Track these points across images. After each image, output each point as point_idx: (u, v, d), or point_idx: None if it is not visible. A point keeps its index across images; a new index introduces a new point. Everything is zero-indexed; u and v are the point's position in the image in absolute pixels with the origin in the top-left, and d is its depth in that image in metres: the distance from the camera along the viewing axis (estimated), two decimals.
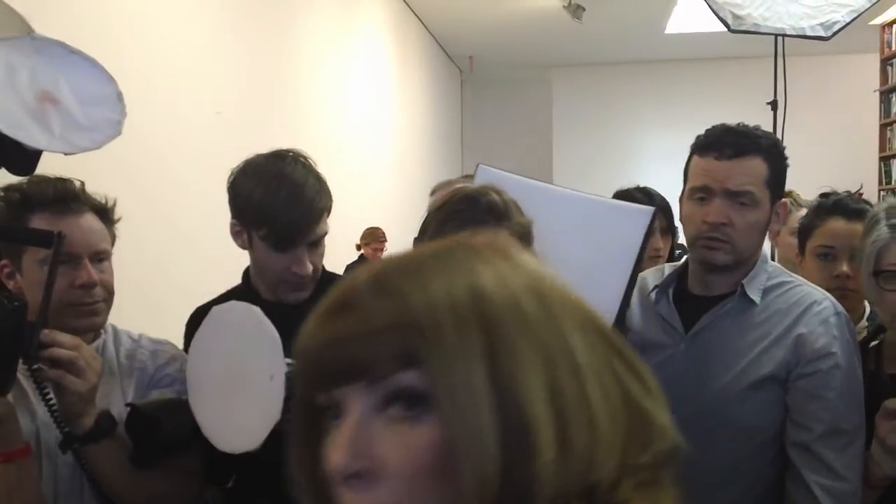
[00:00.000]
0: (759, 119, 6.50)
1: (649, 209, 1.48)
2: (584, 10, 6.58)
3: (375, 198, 5.87)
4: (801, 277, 1.57)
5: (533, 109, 9.81)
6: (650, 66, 9.13)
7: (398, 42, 6.78)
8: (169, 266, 2.80)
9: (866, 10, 3.56)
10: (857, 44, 7.58)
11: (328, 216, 1.46)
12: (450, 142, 9.25)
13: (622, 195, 2.24)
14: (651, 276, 1.65)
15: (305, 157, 1.47)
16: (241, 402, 1.16)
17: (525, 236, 1.18)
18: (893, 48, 7.46)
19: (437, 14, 7.44)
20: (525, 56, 9.11)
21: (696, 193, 1.49)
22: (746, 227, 1.47)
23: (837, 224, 1.81)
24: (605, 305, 1.36)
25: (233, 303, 1.29)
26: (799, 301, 1.48)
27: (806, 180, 4.05)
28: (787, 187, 1.93)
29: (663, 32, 7.71)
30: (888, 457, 1.35)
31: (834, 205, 1.85)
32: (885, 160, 7.65)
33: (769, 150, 1.49)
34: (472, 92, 9.86)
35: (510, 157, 9.47)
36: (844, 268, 1.77)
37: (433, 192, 2.51)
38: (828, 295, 1.51)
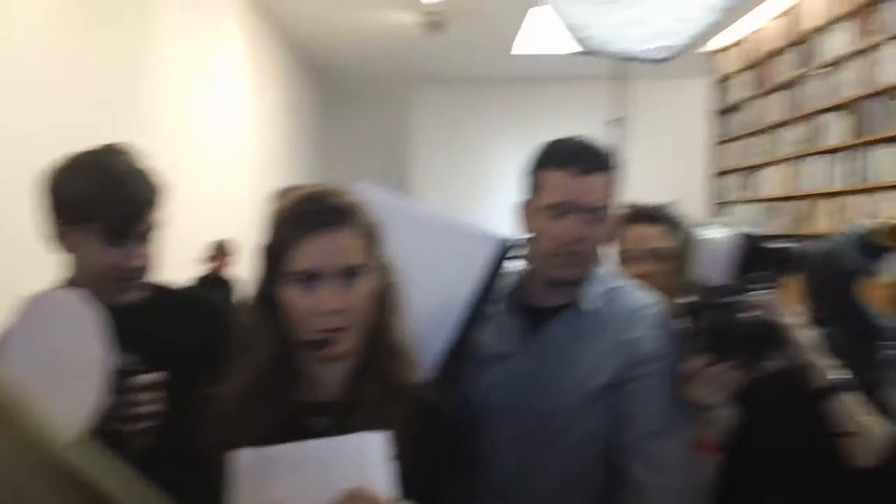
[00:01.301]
0: (600, 137, 6.71)
1: (496, 237, 1.46)
2: (441, 26, 6.71)
3: (236, 209, 5.74)
4: (631, 280, 1.56)
5: (393, 122, 9.89)
6: (500, 84, 9.42)
7: (258, 53, 6.66)
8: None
9: (702, 37, 3.81)
10: (688, 68, 8.11)
11: (160, 210, 1.41)
12: (313, 152, 9.17)
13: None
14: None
15: (128, 150, 1.41)
16: (60, 391, 1.10)
17: (371, 237, 1.16)
18: (722, 72, 8.05)
19: (300, 26, 7.37)
20: (385, 70, 9.17)
21: (554, 209, 1.45)
22: (599, 241, 1.48)
23: (638, 230, 1.87)
24: (436, 335, 1.38)
25: (49, 290, 1.22)
26: (631, 306, 1.47)
27: (644, 195, 4.30)
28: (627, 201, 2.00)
29: (509, 52, 7.97)
30: (705, 391, 1.36)
31: (635, 213, 1.92)
32: (717, 176, 8.22)
33: (615, 165, 1.49)
34: (334, 103, 9.81)
35: (371, 167, 9.49)
36: (648, 268, 1.81)
37: (276, 197, 2.41)
38: (656, 297, 1.51)
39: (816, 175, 6.14)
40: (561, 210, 1.45)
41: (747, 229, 1.44)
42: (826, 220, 5.92)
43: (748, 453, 1.45)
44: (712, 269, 1.41)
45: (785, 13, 6.64)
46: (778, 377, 1.40)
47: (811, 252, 1.63)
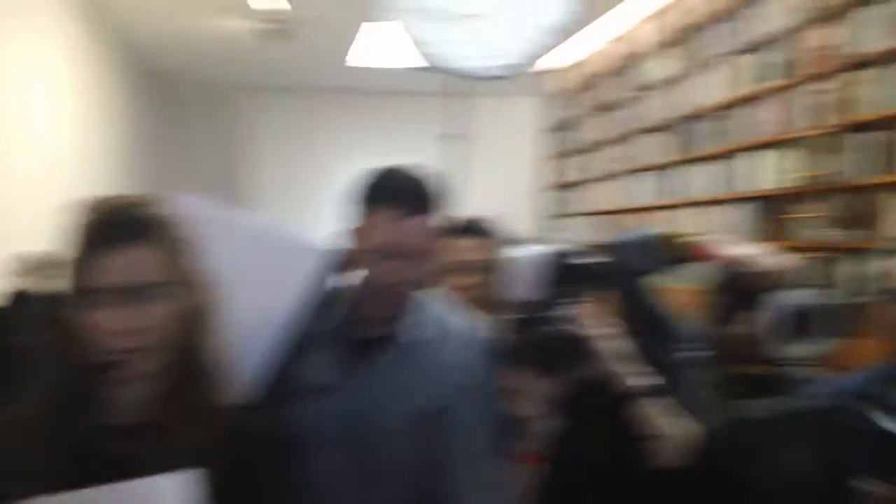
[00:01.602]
0: (432, 151, 6.88)
1: (320, 249, 1.42)
2: (277, 34, 6.57)
3: (51, 219, 5.34)
4: (453, 304, 1.56)
5: (230, 130, 9.58)
6: (338, 95, 9.34)
7: (79, 56, 6.27)
8: None
9: (538, 57, 3.91)
10: (523, 86, 8.37)
11: None
12: (148, 160, 8.73)
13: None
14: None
15: None
16: None
17: (175, 252, 1.10)
18: (555, 91, 8.36)
19: (131, 29, 7.02)
20: (221, 76, 8.89)
21: (376, 251, 1.40)
22: (422, 280, 1.45)
23: (456, 242, 1.88)
24: (256, 352, 1.33)
25: None
26: (453, 334, 1.47)
27: (481, 208, 4.38)
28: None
29: (344, 65, 7.94)
30: (524, 404, 1.42)
31: (455, 226, 1.92)
32: (549, 190, 8.51)
33: (442, 203, 1.44)
34: (170, 110, 9.39)
35: (208, 176, 9.15)
36: (466, 280, 1.84)
37: (81, 208, 2.23)
38: (474, 319, 1.53)
39: (639, 190, 6.48)
40: (383, 253, 1.40)
41: (556, 247, 1.50)
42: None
43: (568, 462, 1.49)
44: (521, 285, 1.46)
45: (613, 36, 6.99)
46: (590, 386, 1.45)
47: (607, 253, 1.70)
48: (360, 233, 1.44)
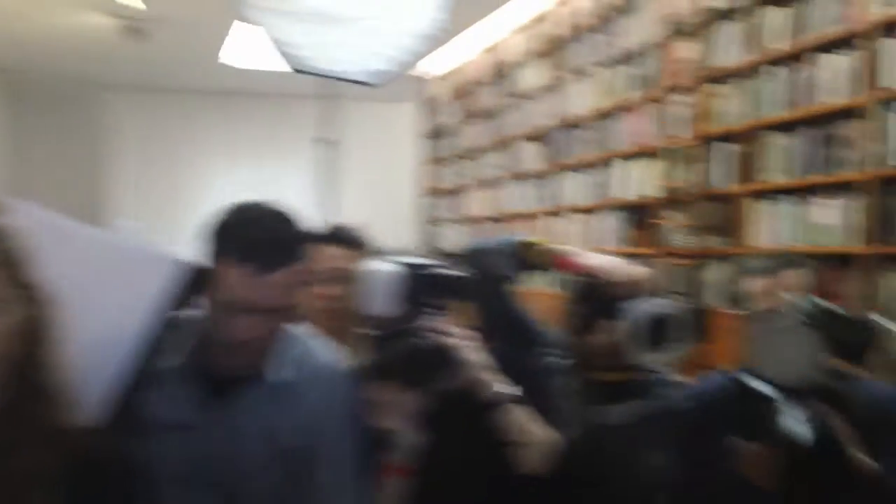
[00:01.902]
0: (309, 155, 6.73)
1: (175, 260, 1.32)
2: (142, 32, 6.30)
3: None
4: (317, 336, 1.51)
5: (92, 131, 9.06)
6: (208, 96, 9.04)
7: None
8: None
9: (411, 64, 3.89)
10: (401, 92, 8.36)
11: None
12: (3, 161, 8.17)
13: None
14: None
15: None
16: None
17: (8, 265, 1.00)
18: (432, 97, 8.39)
19: None
20: (82, 75, 8.42)
21: (229, 306, 1.30)
22: (280, 331, 1.38)
23: (324, 250, 1.85)
24: (106, 370, 1.24)
25: None
26: (317, 370, 1.44)
27: (359, 215, 4.33)
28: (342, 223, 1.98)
29: (217, 63, 7.70)
30: (389, 417, 1.42)
31: (322, 234, 1.90)
32: (427, 197, 8.53)
33: (302, 252, 1.35)
34: (27, 110, 8.82)
35: (68, 178, 8.66)
36: (333, 290, 1.80)
37: None
38: (336, 350, 1.51)
39: (514, 198, 6.58)
40: (236, 309, 1.30)
41: (416, 258, 1.48)
42: None
43: (435, 473, 1.49)
44: (379, 299, 1.44)
45: (487, 46, 7.07)
46: (455, 397, 1.45)
47: (467, 254, 1.71)
48: (209, 282, 1.33)
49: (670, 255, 4.52)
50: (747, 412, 1.42)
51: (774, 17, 3.93)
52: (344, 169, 6.15)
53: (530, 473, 1.46)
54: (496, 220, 6.85)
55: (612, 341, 1.57)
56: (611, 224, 5.22)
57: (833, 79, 3.58)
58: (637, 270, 1.54)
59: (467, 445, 1.49)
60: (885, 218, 3.30)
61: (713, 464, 1.47)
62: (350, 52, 3.96)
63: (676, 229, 4.54)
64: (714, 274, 4.27)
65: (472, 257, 1.71)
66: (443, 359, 1.41)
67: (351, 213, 4.77)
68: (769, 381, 1.39)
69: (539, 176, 6.17)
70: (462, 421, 1.47)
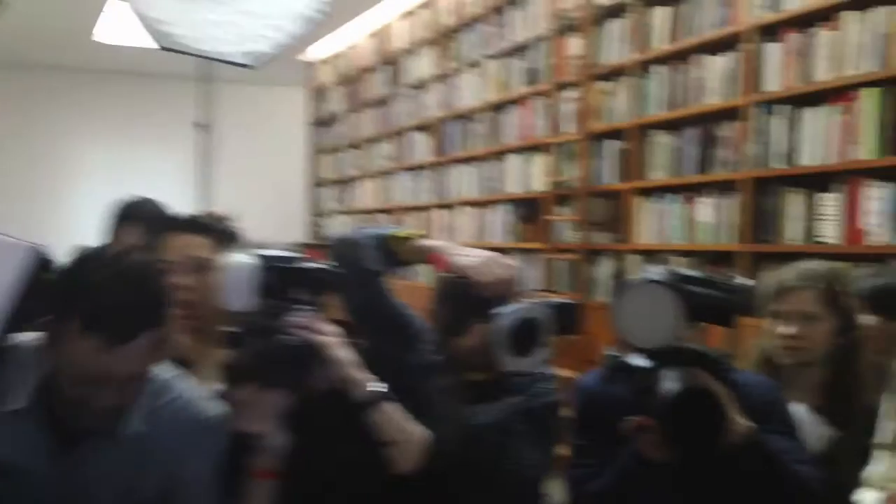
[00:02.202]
0: (189, 140, 6.43)
1: (27, 246, 1.19)
2: (6, 4, 5.84)
3: None
4: (189, 383, 1.43)
5: None
6: (80, 74, 8.50)
7: None
8: None
9: (291, 46, 3.72)
10: (290, 77, 8.12)
11: None
12: None
13: None
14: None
15: None
16: None
17: None
18: (318, 84, 8.18)
19: None
20: None
21: (80, 378, 1.19)
22: (140, 388, 1.29)
23: (179, 238, 1.77)
24: None
25: None
26: (180, 422, 1.35)
27: (242, 204, 4.13)
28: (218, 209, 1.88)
29: (91, 40, 7.26)
30: (253, 419, 1.38)
31: (178, 221, 1.83)
32: (315, 187, 8.32)
33: (161, 315, 1.25)
34: None
35: None
36: (189, 280, 1.71)
37: None
38: (203, 390, 1.43)
39: (405, 190, 6.48)
40: (81, 379, 1.19)
41: (273, 252, 1.41)
42: None
43: (304, 475, 1.43)
44: (235, 293, 1.37)
45: (374, 32, 6.92)
46: (324, 396, 1.41)
47: (335, 247, 1.65)
48: (53, 349, 1.21)
49: (559, 250, 4.52)
50: (626, 388, 1.44)
51: (660, 17, 3.95)
52: (223, 155, 5.88)
53: (403, 473, 1.42)
54: (386, 211, 6.73)
55: (481, 343, 1.54)
56: (501, 218, 5.18)
57: (715, 80, 3.63)
58: (506, 271, 1.50)
59: (337, 446, 1.44)
60: (760, 217, 3.37)
61: (617, 450, 1.45)
62: (226, 32, 3.76)
63: (565, 225, 4.54)
64: (602, 269, 4.29)
65: (339, 250, 1.64)
66: (309, 357, 1.35)
67: (230, 202, 4.56)
68: (640, 352, 1.41)
69: (430, 168, 6.09)
70: (331, 421, 1.43)
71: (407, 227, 1.68)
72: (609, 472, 1.48)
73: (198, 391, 1.42)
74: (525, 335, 1.45)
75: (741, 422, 1.37)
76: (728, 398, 1.37)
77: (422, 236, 1.59)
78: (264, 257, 1.39)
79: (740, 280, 1.51)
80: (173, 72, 7.26)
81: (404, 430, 1.41)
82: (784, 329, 1.75)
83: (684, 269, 1.49)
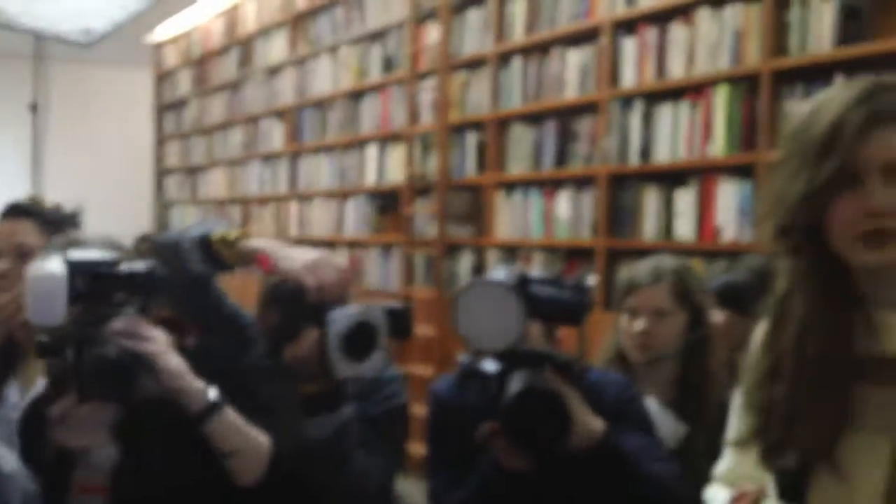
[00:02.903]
0: (21, 122, 5.90)
1: None
2: None
3: None
4: None
5: None
6: None
7: None
8: None
9: (128, 23, 3.44)
10: (135, 58, 7.62)
11: None
12: None
13: None
14: None
15: None
16: None
17: None
18: (165, 67, 7.72)
19: None
20: None
21: None
22: None
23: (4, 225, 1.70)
24: None
25: None
26: None
27: (82, 192, 3.76)
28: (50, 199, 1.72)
29: None
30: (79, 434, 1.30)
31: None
32: (160, 175, 7.85)
33: None
34: None
35: None
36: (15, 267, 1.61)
37: None
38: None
39: (256, 179, 6.19)
40: None
41: (82, 256, 1.30)
42: (266, 225, 5.99)
43: (134, 490, 1.34)
44: (41, 308, 1.25)
45: (224, 13, 6.57)
46: (153, 407, 1.30)
47: (159, 248, 1.57)
48: None
49: (418, 244, 4.41)
50: (479, 394, 1.42)
51: (519, 8, 3.90)
52: (61, 140, 5.43)
53: (244, 485, 1.34)
54: (238, 202, 6.42)
55: (312, 351, 1.50)
56: (359, 210, 5.02)
57: (573, 73, 3.61)
58: (336, 272, 1.42)
59: (170, 459, 1.34)
60: (617, 213, 3.38)
61: (473, 459, 1.42)
62: (61, 8, 3.46)
63: (424, 218, 4.43)
64: (462, 264, 4.21)
65: (162, 253, 1.52)
66: (133, 368, 1.25)
67: (68, 189, 4.17)
68: (492, 356, 1.40)
69: (284, 157, 5.84)
70: (162, 433, 1.33)
71: (230, 225, 1.55)
72: (468, 482, 1.43)
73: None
74: (359, 339, 1.41)
75: (592, 422, 1.36)
76: (576, 399, 1.36)
77: (245, 236, 1.48)
78: (74, 263, 1.26)
79: (579, 278, 1.50)
80: (6, 50, 6.64)
81: (246, 438, 1.32)
82: (636, 325, 1.76)
83: (526, 269, 1.46)
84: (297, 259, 1.42)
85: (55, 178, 5.17)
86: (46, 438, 1.29)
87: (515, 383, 1.33)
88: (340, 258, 1.49)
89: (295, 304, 1.46)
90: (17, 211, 1.70)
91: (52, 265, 1.25)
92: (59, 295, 1.24)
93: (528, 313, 1.34)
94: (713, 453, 1.29)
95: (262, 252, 1.46)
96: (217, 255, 1.46)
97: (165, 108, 7.78)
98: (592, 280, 1.52)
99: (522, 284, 1.37)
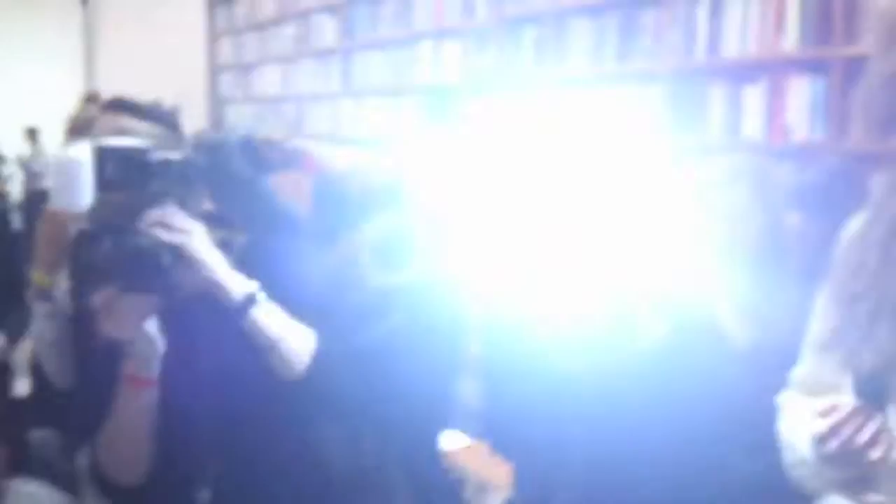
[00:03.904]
0: (72, 16, 5.82)
1: None
2: None
3: None
4: None
5: None
6: None
7: None
8: None
9: None
10: None
11: None
12: None
13: None
14: None
15: None
16: None
17: None
18: None
19: None
20: None
21: None
22: None
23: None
24: None
25: None
26: None
27: (134, 89, 3.74)
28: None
29: None
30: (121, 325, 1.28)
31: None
32: (213, 72, 7.81)
33: None
34: None
35: None
36: None
37: None
38: None
39: (309, 76, 6.10)
40: None
41: (116, 144, 1.25)
42: (321, 124, 5.94)
43: (180, 382, 1.33)
44: (68, 189, 1.25)
45: None
46: (193, 298, 1.29)
47: (199, 160, 1.48)
48: None
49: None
50: None
51: None
52: (111, 34, 5.39)
53: (285, 378, 1.32)
54: (291, 100, 6.36)
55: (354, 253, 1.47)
56: (414, 110, 4.91)
57: None
58: (385, 175, 1.39)
59: (212, 351, 1.34)
60: (678, 110, 3.24)
61: None
62: None
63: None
64: None
65: (206, 152, 1.49)
66: (168, 259, 1.22)
67: (119, 85, 4.16)
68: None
69: (336, 53, 5.72)
70: (204, 326, 1.32)
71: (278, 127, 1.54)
72: None
73: None
74: (394, 248, 1.36)
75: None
76: None
77: (289, 138, 1.44)
78: (103, 149, 1.22)
79: None
80: None
81: (288, 329, 1.30)
82: None
83: None
84: (340, 159, 1.38)
85: (108, 73, 5.16)
86: (92, 328, 1.28)
87: None
88: (389, 159, 1.44)
89: (341, 203, 1.42)
90: (120, 105, 1.64)
91: (77, 150, 1.22)
92: (83, 179, 1.22)
93: None
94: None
95: (307, 153, 1.42)
96: (260, 156, 1.44)
97: (218, 2, 7.66)
98: None
99: None
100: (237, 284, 1.26)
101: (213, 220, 1.33)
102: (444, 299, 1.64)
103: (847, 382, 0.96)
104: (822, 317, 1.03)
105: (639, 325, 1.29)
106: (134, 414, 1.30)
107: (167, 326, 1.29)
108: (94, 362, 1.33)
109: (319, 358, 1.32)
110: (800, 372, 1.15)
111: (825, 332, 0.99)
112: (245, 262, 1.30)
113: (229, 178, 1.47)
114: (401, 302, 1.53)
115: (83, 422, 1.37)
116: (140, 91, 2.21)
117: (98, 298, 1.23)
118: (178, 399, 1.32)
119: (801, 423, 1.03)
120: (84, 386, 1.38)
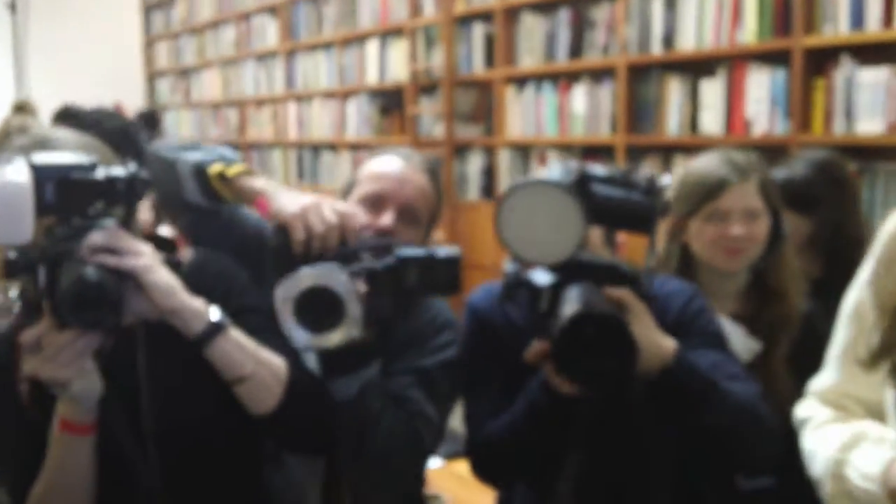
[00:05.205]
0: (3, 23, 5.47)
1: None
2: None
3: None
4: None
5: None
6: None
7: None
8: None
9: None
10: None
11: None
12: None
13: None
14: None
15: None
16: None
17: None
18: None
19: None
20: None
21: None
22: None
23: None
24: None
25: None
26: None
27: (66, 95, 3.55)
28: None
29: None
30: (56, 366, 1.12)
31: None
32: (150, 77, 7.57)
33: None
34: None
35: None
36: None
37: None
38: None
39: (252, 80, 5.93)
40: None
41: (45, 160, 1.06)
42: (264, 129, 5.77)
43: (124, 425, 1.19)
44: (8, 218, 1.03)
45: None
46: (148, 330, 1.16)
47: (153, 168, 1.36)
48: None
49: (424, 145, 4.22)
50: (527, 310, 1.22)
51: None
52: (41, 41, 5.15)
53: (259, 413, 1.18)
54: (234, 104, 6.17)
55: None
56: (361, 111, 4.80)
57: None
58: (330, 222, 1.21)
59: (163, 390, 1.19)
60: (635, 106, 3.18)
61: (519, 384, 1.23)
62: None
63: (430, 117, 4.22)
64: (471, 165, 4.03)
65: (156, 171, 1.33)
66: (117, 288, 1.06)
67: (51, 92, 3.95)
68: (536, 265, 1.17)
69: (279, 55, 5.56)
70: (159, 360, 1.17)
71: (234, 159, 1.35)
72: (514, 408, 1.24)
73: None
74: (316, 307, 1.17)
75: (662, 343, 1.15)
76: (645, 317, 1.15)
77: (247, 173, 1.30)
78: (41, 168, 1.04)
79: (650, 176, 1.23)
80: None
81: (257, 360, 1.16)
82: (734, 229, 1.51)
83: (589, 165, 1.21)
84: (290, 205, 1.23)
85: (39, 81, 4.93)
86: (19, 371, 1.12)
87: (571, 302, 1.10)
88: (343, 204, 1.26)
89: (283, 253, 1.25)
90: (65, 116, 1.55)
91: (15, 171, 1.03)
92: (23, 207, 1.03)
93: (589, 218, 1.12)
94: (793, 372, 1.14)
95: (261, 193, 1.28)
96: (213, 188, 1.30)
97: (153, 6, 7.43)
98: (667, 179, 1.30)
99: (582, 183, 1.14)
100: (197, 311, 1.12)
101: (157, 241, 1.18)
102: (451, 343, 1.43)
103: (880, 397, 0.87)
104: (854, 325, 0.93)
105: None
106: (71, 466, 1.14)
107: (109, 364, 1.13)
108: (20, 408, 1.17)
109: (294, 386, 1.18)
110: (823, 382, 1.05)
111: (858, 343, 0.89)
112: (195, 284, 1.15)
113: (181, 202, 1.34)
114: (407, 340, 1.36)
115: (12, 477, 1.21)
116: (74, 99, 2.07)
117: (28, 337, 1.07)
118: (122, 447, 1.18)
119: (863, 456, 0.92)
120: (9, 435, 1.21)
